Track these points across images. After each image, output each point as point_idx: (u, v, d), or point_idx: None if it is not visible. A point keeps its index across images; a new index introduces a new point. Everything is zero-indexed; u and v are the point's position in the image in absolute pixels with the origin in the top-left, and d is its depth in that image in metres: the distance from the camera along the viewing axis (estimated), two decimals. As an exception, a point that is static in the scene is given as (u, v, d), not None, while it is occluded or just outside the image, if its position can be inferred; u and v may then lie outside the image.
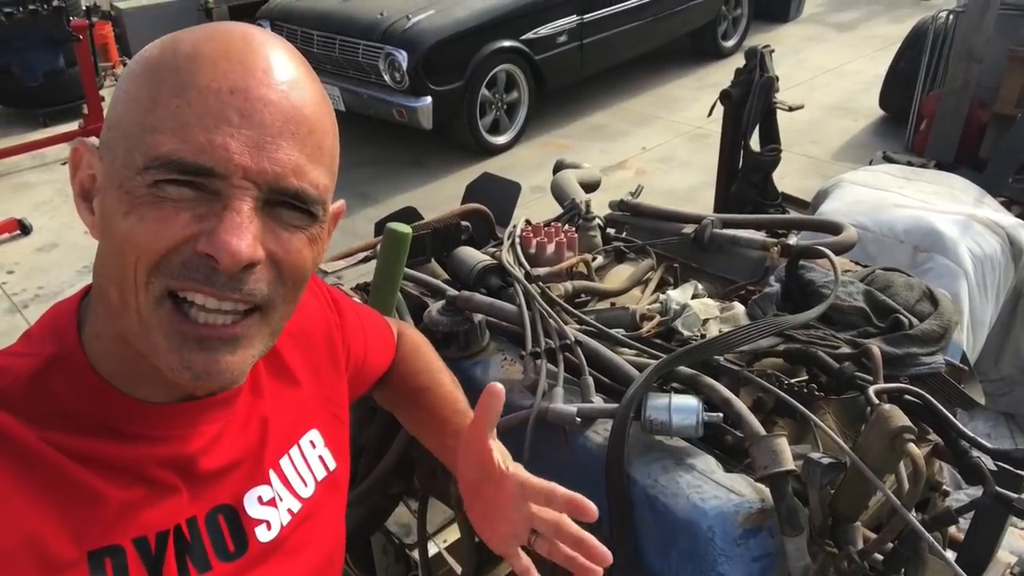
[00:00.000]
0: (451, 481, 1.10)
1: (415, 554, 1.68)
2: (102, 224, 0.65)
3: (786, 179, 3.24)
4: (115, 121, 0.64)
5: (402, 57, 4.88)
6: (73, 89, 5.57)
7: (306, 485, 0.84)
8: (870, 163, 4.31)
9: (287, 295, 0.67)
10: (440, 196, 4.76)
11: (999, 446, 0.99)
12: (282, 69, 0.64)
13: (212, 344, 0.63)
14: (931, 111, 4.58)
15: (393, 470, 1.30)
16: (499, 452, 0.83)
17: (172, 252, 0.61)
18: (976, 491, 1.00)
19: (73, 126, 5.50)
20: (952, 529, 1.19)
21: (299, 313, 0.88)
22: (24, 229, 4.55)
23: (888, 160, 4.25)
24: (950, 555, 0.98)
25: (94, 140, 0.68)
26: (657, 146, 5.57)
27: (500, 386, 0.77)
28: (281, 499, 0.80)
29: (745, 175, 3.10)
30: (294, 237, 0.65)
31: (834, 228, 1.47)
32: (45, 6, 4.63)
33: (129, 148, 0.61)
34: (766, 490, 0.94)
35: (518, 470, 0.82)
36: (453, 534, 1.85)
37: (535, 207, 3.77)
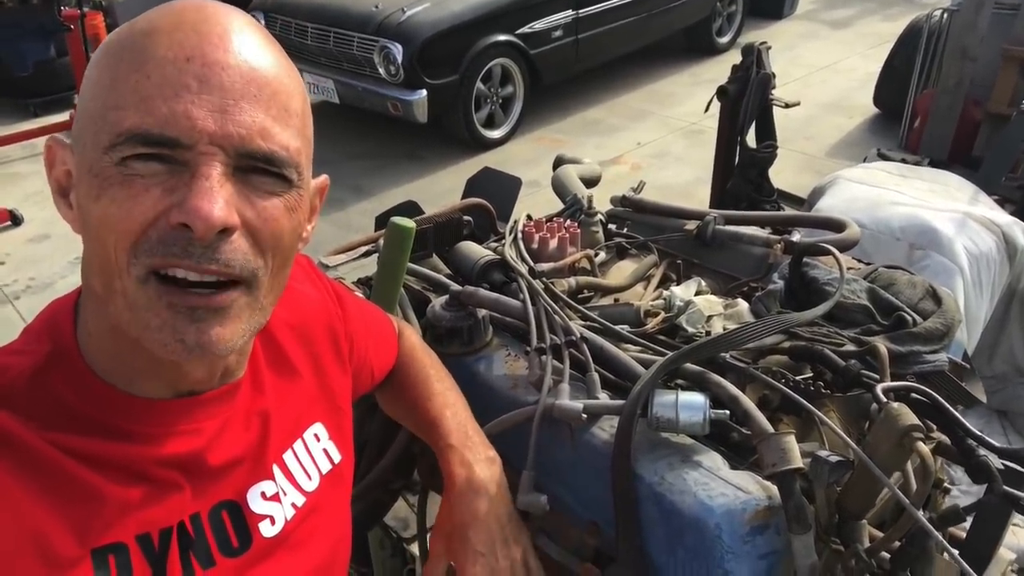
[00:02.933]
0: None
1: (413, 548, 1.68)
2: (80, 216, 0.64)
3: (781, 175, 3.25)
4: (82, 110, 0.64)
5: (397, 50, 4.86)
6: (64, 79, 5.53)
7: (310, 479, 0.83)
8: (864, 160, 4.33)
9: (269, 268, 0.66)
10: (436, 190, 4.75)
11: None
12: (239, 35, 0.63)
13: (199, 315, 0.62)
14: (925, 109, 4.60)
15: (394, 466, 1.30)
16: None
17: (148, 229, 0.60)
18: (972, 487, 1.00)
19: (64, 116, 5.46)
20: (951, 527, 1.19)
21: (299, 304, 0.88)
22: (15, 220, 4.52)
23: (883, 157, 4.26)
24: (953, 553, 0.99)
25: (63, 137, 0.68)
26: (652, 141, 5.57)
27: None
28: (285, 494, 0.80)
29: (741, 171, 3.10)
30: (269, 204, 0.64)
31: (837, 225, 1.47)
32: (36, -5, 4.59)
33: (95, 131, 0.61)
34: (773, 488, 0.94)
35: None
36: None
37: (531, 201, 3.76)
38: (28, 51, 4.86)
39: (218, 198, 0.59)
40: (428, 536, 0.96)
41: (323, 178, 0.77)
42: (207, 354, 0.64)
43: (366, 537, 1.75)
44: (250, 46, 0.63)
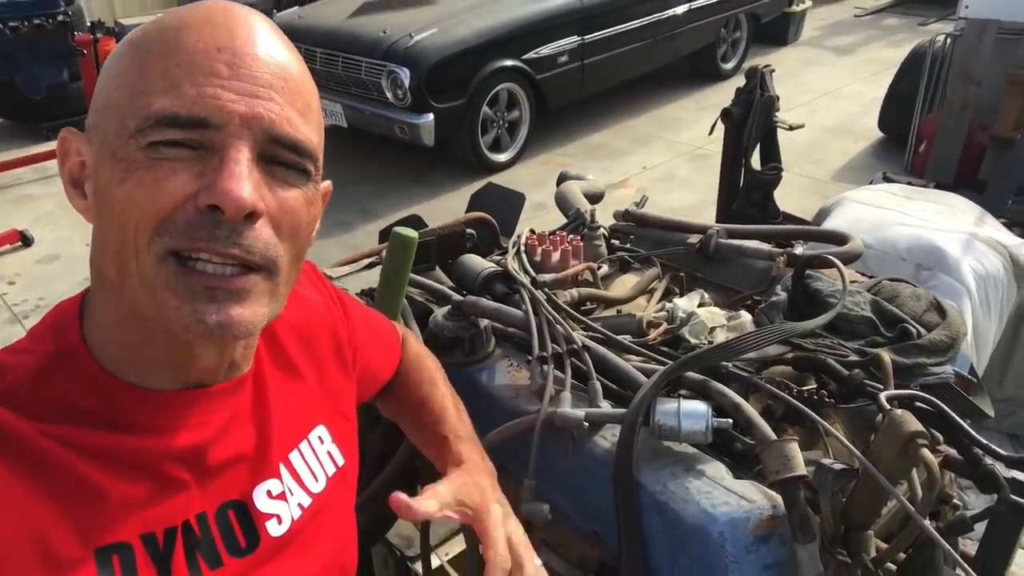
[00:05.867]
0: None
1: (417, 567, 1.66)
2: (97, 203, 0.64)
3: (786, 198, 3.24)
4: (102, 101, 0.64)
5: (404, 74, 4.91)
6: (76, 103, 5.58)
7: (316, 480, 0.83)
8: (870, 183, 4.32)
9: (289, 258, 0.67)
10: (441, 213, 4.73)
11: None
12: (265, 33, 0.66)
13: (219, 295, 0.62)
14: (930, 133, 4.61)
15: (397, 480, 1.29)
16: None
17: (174, 212, 0.60)
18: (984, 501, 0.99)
19: (75, 140, 5.51)
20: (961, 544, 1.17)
21: (303, 308, 0.88)
22: (25, 241, 4.55)
23: (888, 181, 4.26)
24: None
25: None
26: (658, 165, 5.59)
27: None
28: (291, 493, 0.79)
29: (746, 193, 3.10)
30: (289, 195, 0.65)
31: (839, 239, 1.47)
32: (50, 20, 4.66)
33: (120, 118, 0.61)
34: (777, 497, 0.93)
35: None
36: (456, 546, 1.83)
37: (536, 223, 3.75)
38: (42, 75, 4.91)
39: (247, 181, 0.60)
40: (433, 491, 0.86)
41: (327, 183, 0.78)
42: (227, 334, 0.63)
43: (369, 555, 1.73)
44: (276, 44, 0.66)
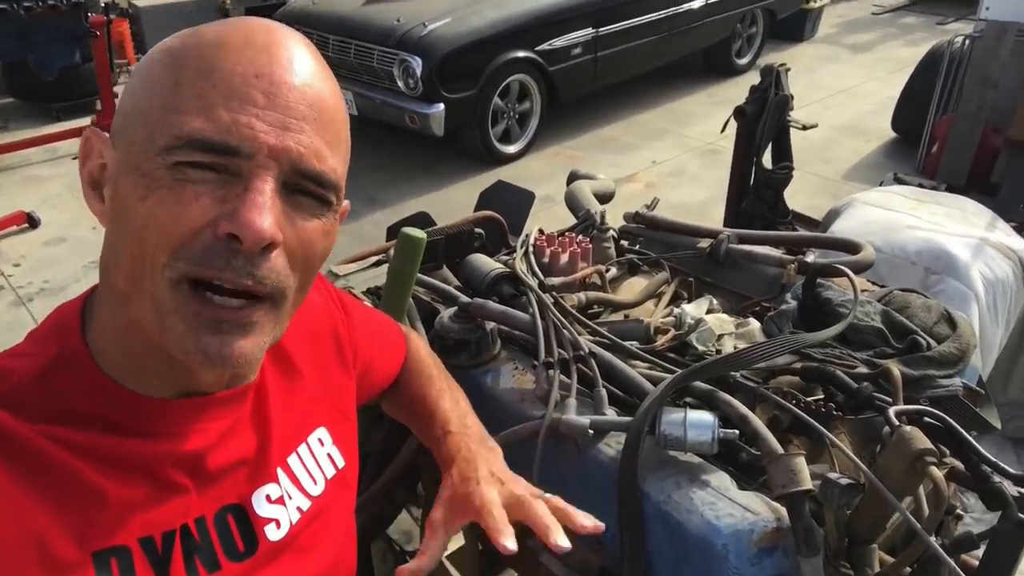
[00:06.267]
0: None
1: (416, 562, 1.66)
2: (114, 211, 0.64)
3: (796, 197, 3.22)
4: (131, 107, 0.64)
5: (416, 64, 4.89)
6: (88, 84, 5.59)
7: (315, 483, 0.83)
8: (881, 184, 4.30)
9: (297, 286, 0.67)
10: (450, 203, 4.76)
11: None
12: (303, 60, 0.65)
13: (225, 327, 0.62)
14: (943, 134, 4.57)
15: (399, 478, 1.29)
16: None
17: (193, 236, 0.60)
18: (986, 514, 0.98)
19: (86, 121, 5.52)
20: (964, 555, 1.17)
21: (304, 310, 0.87)
22: (32, 222, 4.56)
23: (899, 181, 4.23)
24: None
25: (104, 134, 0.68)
26: (667, 160, 5.57)
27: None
28: (290, 497, 0.79)
29: (756, 191, 3.08)
30: (309, 225, 0.65)
31: (852, 247, 1.46)
32: (64, 1, 4.65)
33: (149, 131, 0.61)
34: (782, 509, 0.93)
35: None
36: (455, 542, 1.83)
37: (545, 217, 3.76)
38: (55, 56, 4.90)
39: (269, 213, 0.60)
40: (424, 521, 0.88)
41: (345, 203, 0.78)
42: (227, 365, 0.64)
43: (369, 550, 1.73)
44: (314, 72, 0.65)
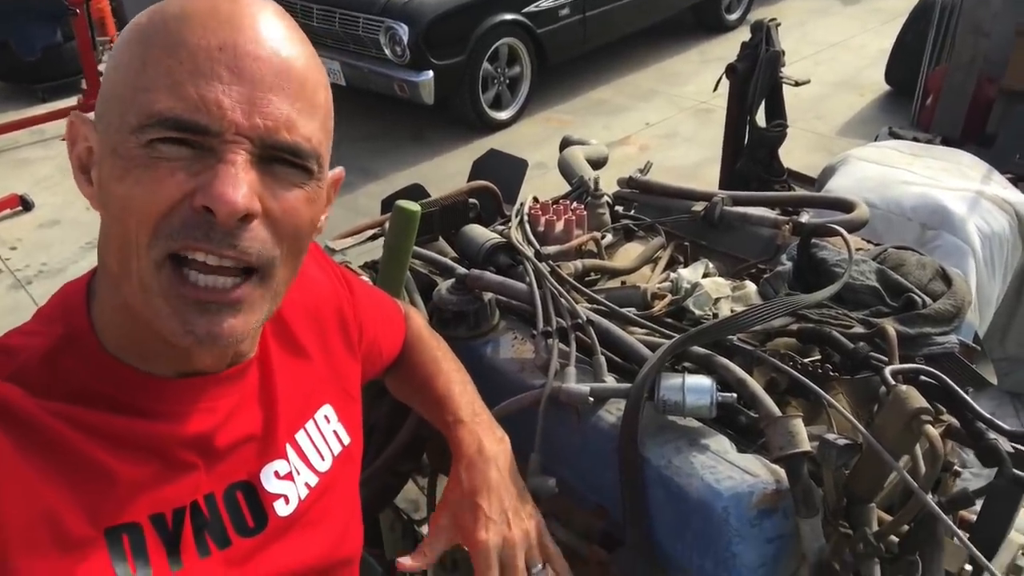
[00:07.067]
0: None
1: (423, 530, 1.69)
2: (100, 194, 0.65)
3: (792, 155, 3.21)
4: (108, 89, 0.64)
5: (403, 31, 4.82)
6: (71, 64, 5.51)
7: (323, 459, 0.84)
8: (876, 139, 4.28)
9: (285, 257, 0.67)
10: (442, 172, 4.73)
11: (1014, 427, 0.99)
12: (270, 26, 0.64)
13: (212, 308, 0.63)
14: (937, 86, 4.54)
15: (404, 449, 1.30)
16: None
17: (170, 212, 0.60)
18: (983, 470, 0.99)
19: (72, 101, 5.46)
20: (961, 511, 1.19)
21: (309, 287, 0.88)
22: (26, 205, 4.54)
23: (894, 135, 4.21)
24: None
25: (90, 115, 0.68)
26: (660, 121, 5.53)
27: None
28: (298, 473, 0.80)
29: (751, 151, 3.07)
30: (290, 194, 0.65)
31: (846, 206, 1.45)
32: (42, -21, 4.57)
33: (122, 111, 0.61)
34: (780, 471, 0.94)
35: None
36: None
37: (538, 183, 3.75)
38: (36, 35, 4.83)
39: (242, 184, 0.60)
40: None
41: (339, 170, 0.78)
42: (217, 344, 0.65)
43: (377, 519, 1.76)
44: (281, 38, 0.64)
